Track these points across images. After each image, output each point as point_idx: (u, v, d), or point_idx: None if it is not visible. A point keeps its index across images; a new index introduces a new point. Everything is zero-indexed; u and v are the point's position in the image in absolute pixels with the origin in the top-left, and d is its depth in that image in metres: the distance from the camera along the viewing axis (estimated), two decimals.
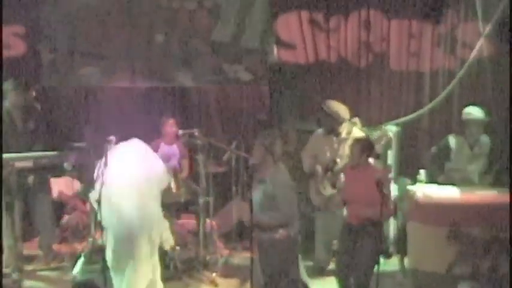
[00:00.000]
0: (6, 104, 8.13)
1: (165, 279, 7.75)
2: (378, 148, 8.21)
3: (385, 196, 6.40)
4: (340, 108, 8.07)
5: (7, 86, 8.13)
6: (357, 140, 7.03)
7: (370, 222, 6.69)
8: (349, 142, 7.80)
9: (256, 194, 6.48)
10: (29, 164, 7.68)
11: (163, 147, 8.69)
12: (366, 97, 9.54)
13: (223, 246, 8.90)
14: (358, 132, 8.09)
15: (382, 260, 6.85)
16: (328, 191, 7.99)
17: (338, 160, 7.97)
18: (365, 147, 6.86)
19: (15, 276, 7.66)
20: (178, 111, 9.74)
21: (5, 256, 8.21)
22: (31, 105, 8.19)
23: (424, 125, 9.52)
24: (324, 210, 8.10)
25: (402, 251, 8.11)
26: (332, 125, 8.06)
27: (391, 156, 8.71)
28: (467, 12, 9.37)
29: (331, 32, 9.49)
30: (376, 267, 6.40)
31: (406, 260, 7.94)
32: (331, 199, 8.00)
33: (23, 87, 8.14)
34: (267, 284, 6.44)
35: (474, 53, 9.30)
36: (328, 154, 8.07)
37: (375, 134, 8.06)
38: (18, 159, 7.65)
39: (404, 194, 7.98)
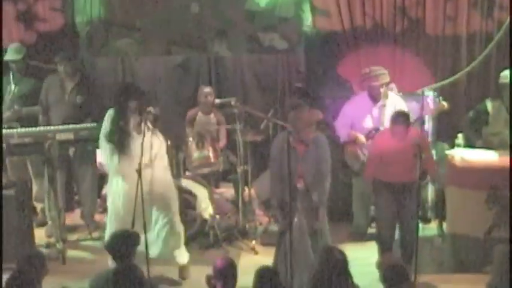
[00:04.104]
0: (60, 73, 8.27)
1: (205, 247, 7.89)
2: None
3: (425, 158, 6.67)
4: (382, 73, 8.01)
5: (62, 56, 8.29)
6: (399, 115, 7.03)
7: (410, 181, 6.85)
8: (388, 109, 7.81)
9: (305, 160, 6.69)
10: (69, 136, 7.80)
11: (201, 117, 8.74)
12: (402, 63, 9.46)
13: (263, 214, 8.97)
14: (395, 97, 8.05)
15: (420, 225, 6.87)
16: None
17: (381, 128, 7.92)
18: (406, 121, 6.93)
19: (59, 246, 7.82)
20: (214, 80, 9.80)
21: (48, 227, 8.43)
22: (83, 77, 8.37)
23: (461, 89, 9.44)
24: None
25: (440, 215, 8.12)
26: (371, 90, 8.02)
27: (428, 121, 8.67)
28: None
29: None
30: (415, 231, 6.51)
31: (444, 225, 7.95)
32: None
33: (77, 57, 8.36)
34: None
35: None
36: (368, 121, 8.03)
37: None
38: (59, 132, 7.79)
39: (443, 159, 7.96)
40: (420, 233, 6.62)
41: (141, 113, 6.83)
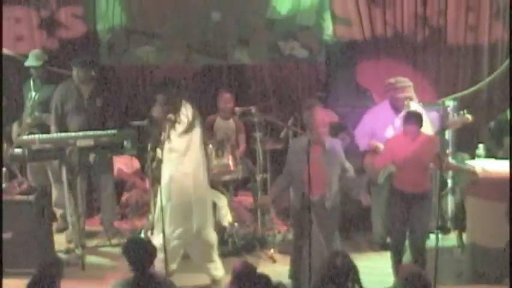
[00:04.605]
0: (74, 79, 8.30)
1: (223, 255, 7.88)
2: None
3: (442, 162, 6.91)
4: (408, 85, 7.97)
5: (75, 62, 8.31)
6: (411, 115, 7.02)
7: (422, 188, 6.95)
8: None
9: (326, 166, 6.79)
10: (90, 142, 7.83)
11: (220, 122, 8.74)
12: (423, 72, 9.43)
13: (281, 222, 8.95)
14: (417, 108, 7.99)
15: (440, 235, 6.83)
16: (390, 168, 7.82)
17: None
18: (419, 122, 6.94)
19: (78, 252, 7.86)
20: (234, 88, 9.80)
21: (68, 232, 8.47)
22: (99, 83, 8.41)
23: (482, 99, 9.39)
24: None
25: (460, 226, 8.06)
26: (395, 102, 7.97)
27: (449, 131, 8.63)
28: None
29: (387, 7, 9.39)
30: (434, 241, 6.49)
31: (464, 236, 7.90)
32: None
33: (91, 63, 8.37)
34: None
35: None
36: (389, 131, 7.94)
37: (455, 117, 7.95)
38: (79, 138, 7.82)
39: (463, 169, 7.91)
40: (439, 244, 6.56)
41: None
